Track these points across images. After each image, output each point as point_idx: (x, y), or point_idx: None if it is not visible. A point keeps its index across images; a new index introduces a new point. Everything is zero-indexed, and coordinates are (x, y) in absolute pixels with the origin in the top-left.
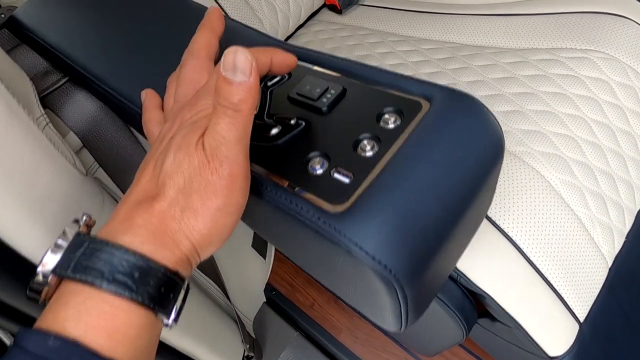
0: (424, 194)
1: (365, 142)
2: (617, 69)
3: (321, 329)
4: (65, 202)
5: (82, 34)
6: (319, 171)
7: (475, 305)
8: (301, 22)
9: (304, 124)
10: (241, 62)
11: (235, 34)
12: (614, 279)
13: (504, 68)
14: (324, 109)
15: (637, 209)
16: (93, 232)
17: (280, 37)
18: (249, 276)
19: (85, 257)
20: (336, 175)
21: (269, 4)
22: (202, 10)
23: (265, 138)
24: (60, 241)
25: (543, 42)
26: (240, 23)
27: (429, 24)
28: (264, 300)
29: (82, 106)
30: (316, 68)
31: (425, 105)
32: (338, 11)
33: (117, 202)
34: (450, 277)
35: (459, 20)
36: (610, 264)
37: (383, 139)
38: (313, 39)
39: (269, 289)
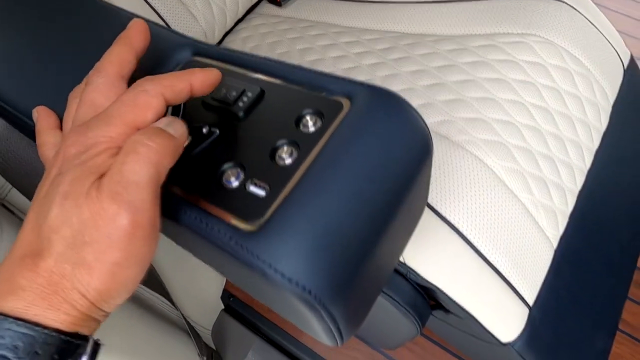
0: (345, 205)
1: (283, 148)
2: (552, 52)
3: (283, 332)
4: None
5: None
6: (234, 184)
7: (428, 300)
8: (239, 16)
9: (217, 132)
10: (178, 126)
11: None
12: (561, 261)
13: (444, 56)
14: (240, 114)
15: (579, 190)
16: None
17: (218, 33)
18: (203, 285)
19: None
20: (252, 188)
21: None
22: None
23: None
24: None
25: (481, 28)
26: (150, 21)
27: (369, 13)
28: (222, 307)
29: None
30: (233, 68)
31: (347, 104)
32: (278, 4)
33: None
34: (399, 273)
35: (399, 8)
36: (555, 247)
37: (302, 144)
38: (253, 34)
39: (227, 295)
